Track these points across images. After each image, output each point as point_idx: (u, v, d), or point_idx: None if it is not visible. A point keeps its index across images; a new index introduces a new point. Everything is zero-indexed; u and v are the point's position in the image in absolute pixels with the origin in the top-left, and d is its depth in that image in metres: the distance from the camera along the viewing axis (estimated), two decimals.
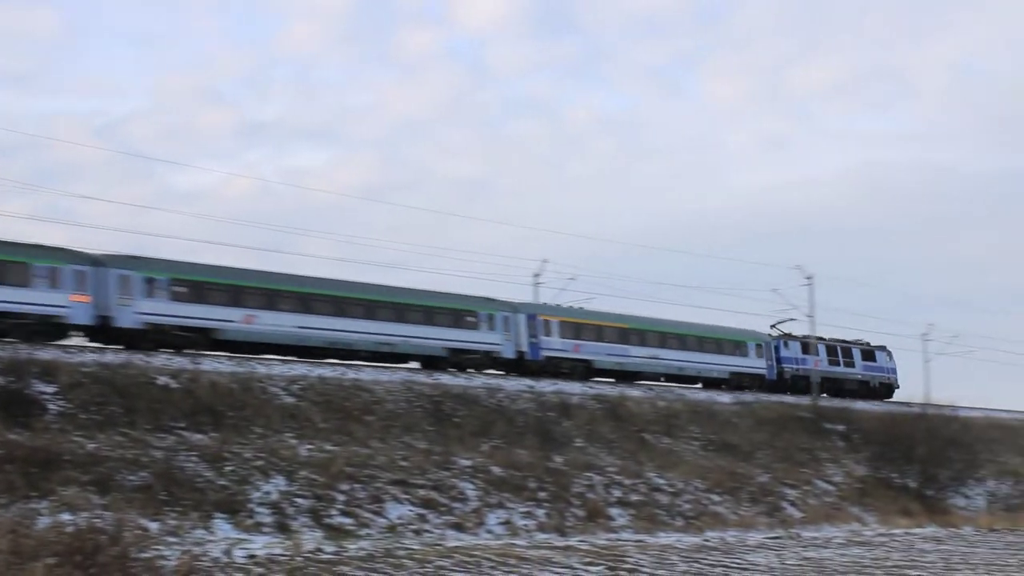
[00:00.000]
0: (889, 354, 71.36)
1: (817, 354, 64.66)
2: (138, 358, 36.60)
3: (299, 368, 40.56)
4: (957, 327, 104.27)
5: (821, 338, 65.70)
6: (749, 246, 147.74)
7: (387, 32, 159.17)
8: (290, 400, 37.14)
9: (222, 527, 27.27)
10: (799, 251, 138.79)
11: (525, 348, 51.07)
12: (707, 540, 33.43)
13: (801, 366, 63.77)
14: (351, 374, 41.27)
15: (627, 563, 25.65)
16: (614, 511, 36.42)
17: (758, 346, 62.90)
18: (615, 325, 56.44)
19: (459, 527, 31.64)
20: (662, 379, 57.60)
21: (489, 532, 31.87)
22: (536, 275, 59.57)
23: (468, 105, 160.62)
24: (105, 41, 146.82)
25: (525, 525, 33.14)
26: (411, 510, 31.73)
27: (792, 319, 63.94)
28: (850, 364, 67.91)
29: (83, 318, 39.16)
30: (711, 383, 59.41)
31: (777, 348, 63.74)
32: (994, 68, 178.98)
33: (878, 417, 54.83)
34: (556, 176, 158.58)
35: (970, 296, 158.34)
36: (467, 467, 35.65)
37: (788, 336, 64.72)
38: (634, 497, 38.01)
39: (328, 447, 34.09)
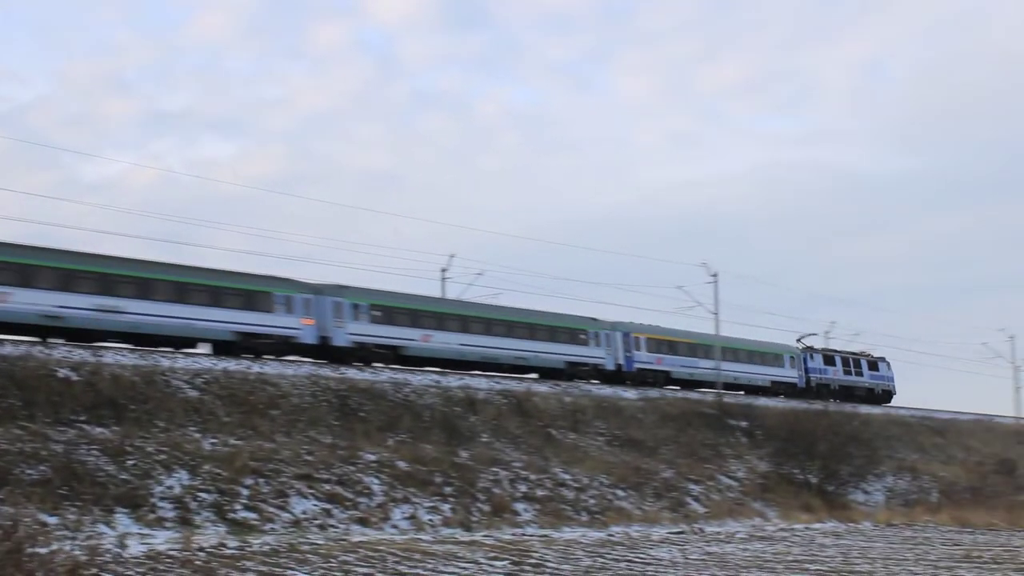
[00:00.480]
0: (888, 364, 79.69)
1: (835, 365, 74.54)
2: (38, 350, 35.97)
3: (203, 361, 40.11)
4: (858, 325, 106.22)
5: (836, 351, 75.93)
6: (656, 243, 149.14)
7: (297, 24, 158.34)
8: (194, 394, 36.70)
9: (123, 522, 26.91)
10: (705, 248, 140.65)
11: (622, 361, 57.78)
12: (612, 535, 33.60)
13: (823, 375, 72.95)
14: (256, 368, 40.89)
15: (532, 558, 25.70)
16: (519, 506, 36.49)
17: (791, 358, 71.79)
18: (687, 341, 64.42)
19: (364, 522, 31.50)
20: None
21: (394, 527, 31.78)
22: (444, 270, 59.65)
23: (378, 98, 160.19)
24: (4, 27, 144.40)
25: (430, 520, 33.09)
26: (316, 505, 31.54)
27: (813, 334, 75.56)
28: (859, 373, 76.48)
29: (310, 338, 46.88)
30: (754, 390, 67.10)
31: (805, 360, 72.34)
32: (896, 71, 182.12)
33: (781, 414, 55.50)
34: (465, 170, 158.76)
35: (871, 295, 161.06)
36: (372, 462, 35.51)
37: (812, 349, 73.62)
38: (540, 492, 38.11)
39: (232, 441, 33.77)
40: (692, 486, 44.38)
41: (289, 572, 21.24)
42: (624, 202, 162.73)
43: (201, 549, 23.76)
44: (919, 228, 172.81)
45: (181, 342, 43.74)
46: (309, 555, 23.97)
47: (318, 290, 47.97)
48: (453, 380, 47.01)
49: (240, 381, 38.82)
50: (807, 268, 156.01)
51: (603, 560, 25.88)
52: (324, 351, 47.17)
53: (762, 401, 61.60)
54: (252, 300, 45.88)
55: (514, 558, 25.46)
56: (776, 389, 68.66)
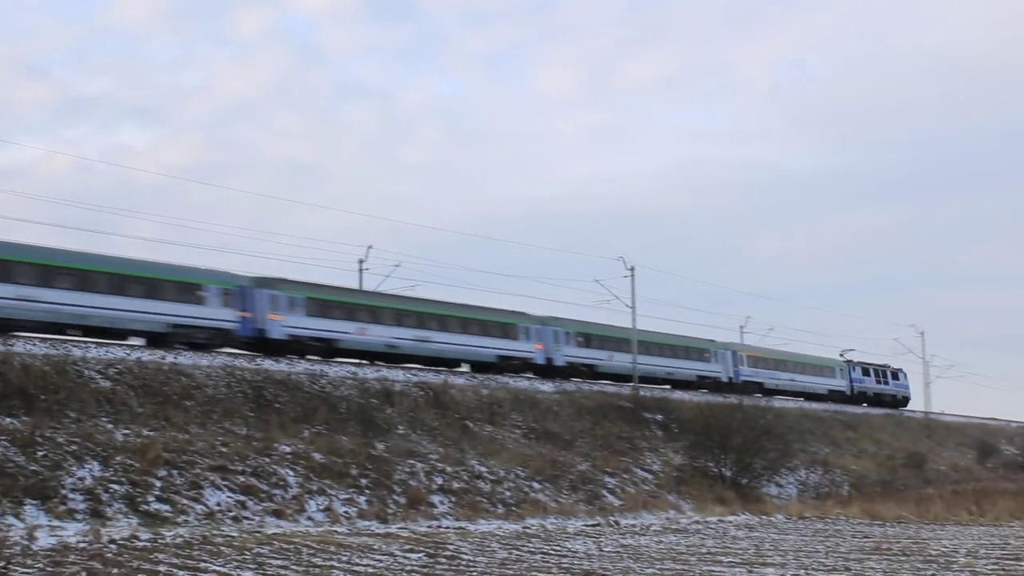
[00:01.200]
0: (905, 375, 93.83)
1: (870, 376, 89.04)
2: None
3: (116, 351, 39.62)
4: (773, 320, 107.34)
5: (870, 364, 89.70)
6: (575, 236, 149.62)
7: (219, 10, 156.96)
8: (106, 384, 36.25)
9: (33, 514, 26.53)
10: (623, 243, 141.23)
11: (732, 375, 63.00)
12: (527, 527, 33.66)
13: (862, 384, 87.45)
14: (170, 358, 40.46)
15: (447, 550, 25.67)
16: (436, 498, 36.45)
17: (841, 370, 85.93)
18: (773, 357, 78.13)
19: (279, 514, 31.30)
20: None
21: (309, 519, 31.61)
22: (361, 261, 59.37)
23: (300, 87, 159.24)
24: None
25: (346, 512, 32.96)
26: (230, 497, 31.28)
27: (852, 348, 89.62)
28: (886, 383, 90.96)
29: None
30: (814, 397, 79.60)
31: (850, 371, 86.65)
32: (817, 69, 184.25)
33: (696, 407, 55.95)
34: (387, 161, 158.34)
35: (788, 290, 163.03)
36: (288, 453, 35.29)
37: (852, 363, 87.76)
38: (456, 484, 38.11)
39: (145, 432, 33.40)
40: (608, 479, 44.60)
41: (202, 564, 21.03)
42: (545, 196, 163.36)
43: (112, 541, 23.48)
44: (836, 224, 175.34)
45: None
46: (223, 547, 23.77)
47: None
48: (370, 372, 46.86)
49: (154, 371, 38.41)
50: (725, 263, 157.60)
51: (518, 552, 25.91)
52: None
53: (677, 395, 62.09)
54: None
55: (429, 550, 25.41)
56: (831, 396, 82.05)
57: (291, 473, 34.07)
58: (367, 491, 35.00)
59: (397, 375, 47.69)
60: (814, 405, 75.22)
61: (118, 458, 30.60)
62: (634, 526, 36.18)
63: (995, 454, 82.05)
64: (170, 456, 31.81)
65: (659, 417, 55.94)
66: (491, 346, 56.68)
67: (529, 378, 55.84)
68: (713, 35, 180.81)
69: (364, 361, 50.14)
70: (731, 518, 41.18)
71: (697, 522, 39.00)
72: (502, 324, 57.81)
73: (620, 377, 62.95)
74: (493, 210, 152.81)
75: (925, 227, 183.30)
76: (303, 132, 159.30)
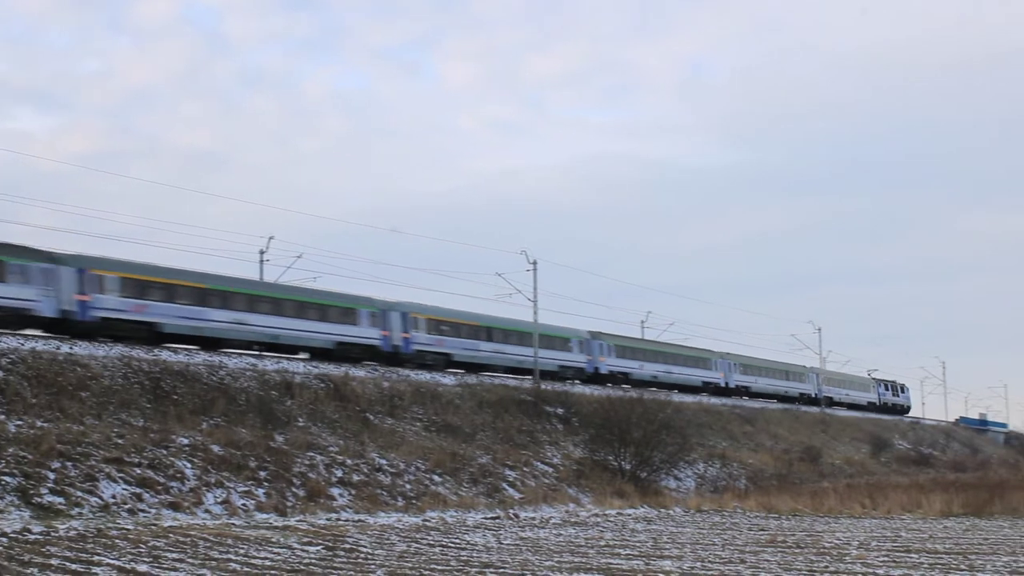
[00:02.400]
0: (907, 388, 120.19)
1: (887, 390, 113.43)
2: None
3: (9, 341, 38.87)
4: (673, 315, 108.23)
5: (887, 380, 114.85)
6: (478, 230, 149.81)
7: None
8: None
9: None
10: (526, 236, 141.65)
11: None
12: (427, 520, 33.65)
13: (884, 396, 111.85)
14: (65, 348, 39.80)
15: (346, 543, 25.59)
16: (335, 491, 36.27)
17: (873, 384, 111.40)
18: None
19: (176, 506, 30.92)
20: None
21: (207, 512, 31.27)
22: (262, 252, 58.82)
23: (203, 76, 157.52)
24: None
25: (244, 504, 32.66)
26: (126, 489, 30.84)
27: (876, 369, 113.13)
28: (896, 395, 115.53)
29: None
30: (855, 407, 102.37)
31: (878, 386, 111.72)
32: (721, 68, 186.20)
33: (596, 401, 56.16)
34: (290, 152, 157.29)
35: (689, 286, 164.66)
36: (185, 445, 34.89)
37: (877, 379, 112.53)
38: (356, 477, 37.95)
39: (39, 423, 32.83)
40: (508, 472, 44.68)
41: (96, 558, 20.74)
42: (448, 189, 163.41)
43: (3, 535, 23.07)
44: (738, 221, 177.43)
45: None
46: (118, 540, 23.47)
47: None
48: (270, 364, 46.50)
49: (48, 362, 37.74)
50: (628, 258, 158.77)
51: (417, 545, 25.90)
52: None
53: (578, 388, 62.37)
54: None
55: (328, 543, 25.32)
56: (868, 408, 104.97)
57: (188, 465, 33.69)
58: (266, 484, 34.72)
59: (297, 367, 47.37)
60: (713, 400, 76.04)
61: (10, 450, 30.02)
62: (534, 519, 36.33)
63: (888, 448, 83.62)
64: (64, 448, 31.29)
65: (560, 411, 56.14)
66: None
67: (431, 371, 55.69)
68: (618, 32, 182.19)
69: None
70: (630, 511, 41.51)
71: (596, 515, 39.25)
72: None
73: (480, 367, 61.98)
74: (396, 202, 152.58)
75: (825, 225, 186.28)
76: (206, 121, 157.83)
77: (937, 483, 51.30)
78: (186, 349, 45.63)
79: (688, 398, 70.86)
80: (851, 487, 50.84)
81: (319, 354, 52.18)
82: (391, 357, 56.29)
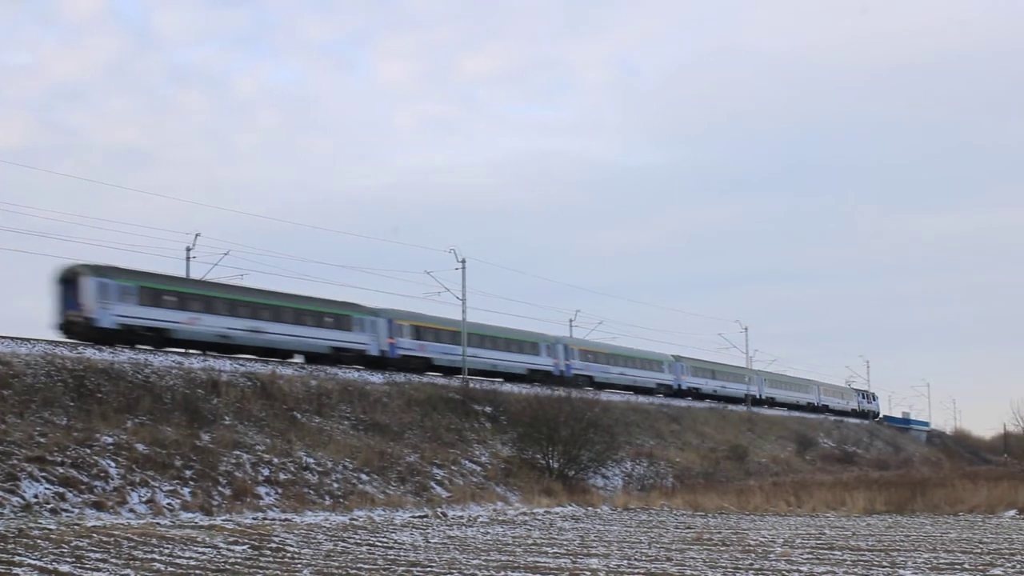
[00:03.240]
0: (877, 397, 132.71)
1: (863, 398, 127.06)
2: None
3: None
4: (602, 313, 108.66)
5: (864, 391, 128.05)
6: (410, 228, 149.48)
7: None
8: None
9: None
10: (457, 234, 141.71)
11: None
12: (355, 519, 33.53)
13: (862, 404, 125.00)
14: None
15: (272, 542, 25.45)
16: (262, 490, 36.05)
17: (855, 394, 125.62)
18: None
19: (99, 506, 30.56)
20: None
21: (131, 511, 30.95)
22: (189, 248, 58.26)
23: (132, 71, 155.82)
24: None
25: (169, 504, 32.37)
26: (48, 488, 30.43)
27: (857, 376, 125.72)
28: (869, 402, 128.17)
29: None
30: (837, 412, 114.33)
31: (859, 395, 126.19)
32: (653, 67, 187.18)
33: (524, 399, 56.21)
34: (221, 148, 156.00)
35: (620, 285, 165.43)
36: (110, 444, 34.51)
37: (857, 389, 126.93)
38: (283, 476, 37.74)
39: None
40: (436, 470, 44.65)
41: (17, 558, 20.44)
42: (380, 185, 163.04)
43: None
44: (669, 220, 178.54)
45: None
46: (40, 540, 23.14)
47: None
48: (196, 362, 46.09)
49: None
50: (559, 257, 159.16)
51: (344, 544, 25.81)
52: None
53: (507, 387, 62.41)
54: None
55: (254, 542, 25.17)
56: (847, 414, 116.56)
57: (113, 464, 33.33)
58: (191, 483, 34.43)
59: (224, 365, 46.98)
60: (640, 399, 76.43)
61: None
62: (462, 517, 36.32)
63: (813, 447, 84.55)
64: None
65: (488, 409, 56.16)
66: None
67: (359, 369, 55.51)
68: (552, 31, 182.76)
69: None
70: (558, 509, 41.62)
71: (524, 513, 39.32)
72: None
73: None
74: (328, 199, 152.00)
75: (753, 225, 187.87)
76: (135, 117, 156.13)
77: (861, 481, 51.91)
78: (112, 348, 45.06)
79: (617, 397, 71.17)
80: (777, 485, 51.30)
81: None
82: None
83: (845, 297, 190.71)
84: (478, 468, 47.34)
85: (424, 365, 62.02)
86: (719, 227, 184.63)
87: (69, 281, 47.14)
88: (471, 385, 59.36)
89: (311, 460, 40.07)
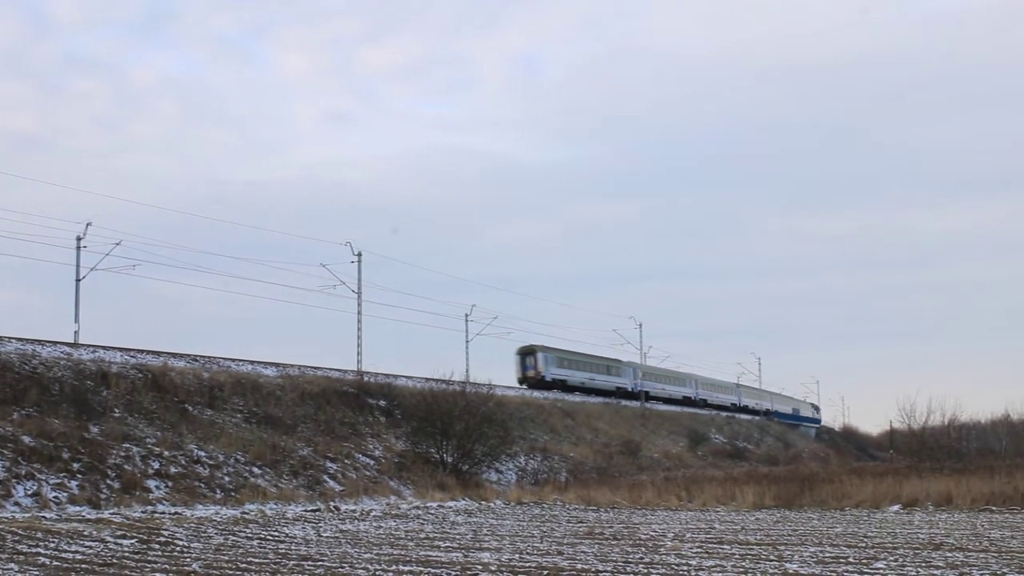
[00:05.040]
0: (819, 409, 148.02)
1: (815, 411, 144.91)
2: None
3: None
4: (497, 309, 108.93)
5: (815, 405, 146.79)
6: (307, 221, 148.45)
7: None
8: None
9: None
10: (356, 228, 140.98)
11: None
12: (246, 513, 33.30)
13: (816, 415, 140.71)
14: None
15: (162, 536, 25.17)
16: (151, 483, 35.60)
17: (810, 408, 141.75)
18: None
19: None
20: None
21: (16, 504, 30.40)
22: (79, 238, 57.23)
23: (27, 57, 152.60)
24: None
25: (56, 497, 31.83)
26: None
27: (811, 393, 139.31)
28: (817, 411, 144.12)
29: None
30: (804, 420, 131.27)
31: (814, 407, 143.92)
32: (553, 64, 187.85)
33: (419, 394, 56.11)
34: (117, 137, 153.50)
35: (517, 280, 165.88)
36: None
37: (812, 404, 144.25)
38: (173, 469, 37.30)
39: None
40: (329, 464, 44.43)
41: None
42: (279, 178, 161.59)
43: None
44: (567, 217, 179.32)
45: None
46: None
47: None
48: (85, 353, 45.35)
49: None
50: (456, 251, 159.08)
51: (235, 538, 25.61)
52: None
53: (401, 381, 62.23)
54: None
55: (143, 536, 24.88)
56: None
57: None
58: (79, 476, 33.90)
59: (114, 356, 46.28)
60: (535, 394, 76.68)
61: None
62: (354, 511, 36.23)
63: (705, 442, 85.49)
64: None
65: (382, 403, 56.00)
66: None
67: (252, 361, 54.96)
68: (453, 27, 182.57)
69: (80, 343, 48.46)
70: (451, 503, 41.67)
71: (417, 507, 39.31)
72: None
73: None
74: (224, 191, 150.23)
75: (649, 222, 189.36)
76: (29, 103, 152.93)
77: (751, 476, 52.62)
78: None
79: (511, 392, 71.37)
80: (668, 480, 51.82)
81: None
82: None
83: (739, 295, 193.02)
84: (372, 462, 47.19)
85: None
86: (615, 224, 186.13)
87: (528, 354, 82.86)
88: (365, 379, 59.11)
89: (202, 453, 39.65)
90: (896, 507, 38.46)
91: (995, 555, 21.33)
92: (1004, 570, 18.63)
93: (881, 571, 18.81)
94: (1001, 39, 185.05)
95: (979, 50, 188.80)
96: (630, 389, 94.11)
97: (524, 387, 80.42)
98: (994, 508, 36.59)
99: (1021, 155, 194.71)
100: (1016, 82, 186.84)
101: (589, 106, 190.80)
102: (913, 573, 18.43)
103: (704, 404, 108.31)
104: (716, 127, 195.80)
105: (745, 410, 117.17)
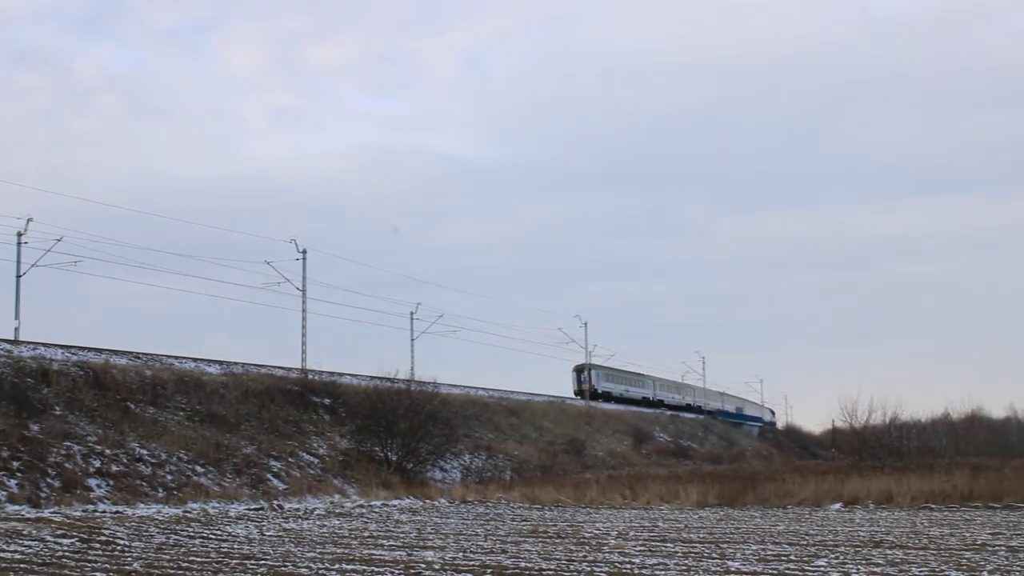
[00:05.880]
0: (774, 412, 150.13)
1: (772, 414, 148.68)
2: None
3: None
4: (442, 307, 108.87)
5: (772, 411, 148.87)
6: (252, 217, 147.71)
7: None
8: None
9: None
10: (302, 226, 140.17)
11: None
12: (188, 511, 33.07)
13: (774, 420, 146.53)
14: None
15: (103, 535, 24.95)
16: (93, 482, 35.30)
17: (768, 412, 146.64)
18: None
19: None
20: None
21: None
22: (20, 234, 56.61)
23: None
24: None
25: None
26: None
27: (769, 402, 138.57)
28: (773, 415, 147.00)
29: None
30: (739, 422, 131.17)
31: (771, 412, 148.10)
32: (496, 63, 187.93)
33: (364, 391, 55.96)
34: (59, 132, 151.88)
35: (462, 278, 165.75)
36: None
37: (771, 410, 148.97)
38: (115, 468, 37.00)
39: None
40: (273, 462, 44.24)
41: None
42: (225, 175, 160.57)
43: None
44: (513, 215, 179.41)
45: None
46: None
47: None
48: (25, 350, 44.86)
49: None
50: (402, 249, 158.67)
51: (177, 537, 25.44)
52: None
53: (346, 379, 62.00)
54: None
55: (83, 535, 24.64)
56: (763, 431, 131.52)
57: None
58: (19, 474, 33.55)
59: (55, 354, 45.80)
60: (480, 392, 76.68)
61: None
62: (298, 510, 36.09)
63: (649, 440, 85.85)
64: None
65: (327, 401, 55.80)
66: None
67: (196, 359, 54.59)
68: (400, 24, 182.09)
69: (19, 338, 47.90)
70: (395, 502, 41.61)
71: (361, 506, 39.22)
72: None
73: None
74: (169, 187, 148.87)
75: (596, 222, 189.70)
76: None
77: (694, 475, 52.86)
78: None
79: (456, 390, 71.28)
80: (613, 478, 51.97)
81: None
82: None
83: (683, 294, 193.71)
84: (316, 460, 47.03)
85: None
86: (562, 222, 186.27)
87: (582, 370, 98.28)
88: (309, 377, 58.86)
89: (144, 452, 39.36)
90: (837, 505, 38.79)
91: (934, 552, 21.59)
92: (943, 567, 18.85)
93: (822, 569, 18.96)
94: (943, 44, 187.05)
95: (921, 54, 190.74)
96: (651, 398, 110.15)
97: (579, 398, 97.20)
98: (933, 506, 37.03)
99: (960, 157, 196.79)
100: (954, 86, 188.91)
101: (536, 105, 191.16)
102: (853, 570, 18.61)
103: (700, 411, 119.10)
104: (662, 126, 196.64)
105: (699, 411, 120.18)
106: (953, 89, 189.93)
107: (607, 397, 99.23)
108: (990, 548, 22.36)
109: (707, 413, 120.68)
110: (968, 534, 26.06)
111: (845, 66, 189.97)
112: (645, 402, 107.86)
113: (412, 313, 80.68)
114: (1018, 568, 18.66)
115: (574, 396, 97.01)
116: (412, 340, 79.43)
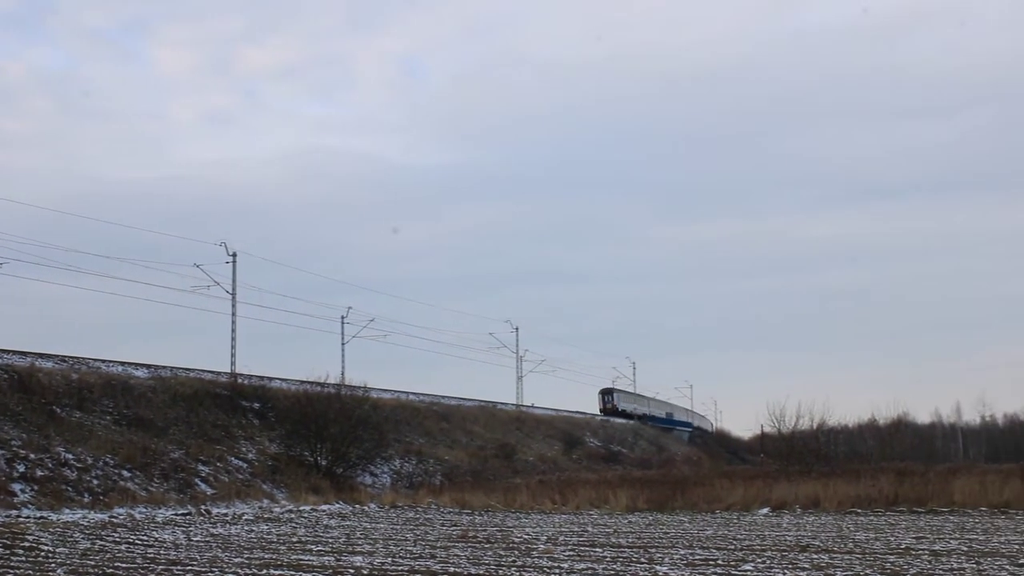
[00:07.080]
0: (711, 422, 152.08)
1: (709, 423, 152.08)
2: None
3: None
4: (374, 312, 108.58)
5: (704, 417, 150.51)
6: (183, 220, 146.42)
7: None
8: None
9: None
10: (233, 229, 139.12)
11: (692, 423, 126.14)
12: (114, 517, 32.75)
13: (703, 422, 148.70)
14: None
15: (26, 541, 24.63)
16: (16, 487, 34.81)
17: (702, 418, 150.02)
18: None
19: None
20: None
21: None
22: None
23: None
24: None
25: None
26: None
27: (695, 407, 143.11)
28: (706, 421, 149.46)
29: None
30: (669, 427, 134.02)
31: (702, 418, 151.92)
32: (432, 68, 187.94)
33: (294, 396, 55.65)
34: None
35: (393, 283, 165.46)
36: None
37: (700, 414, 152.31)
38: (39, 472, 36.52)
39: None
40: (201, 467, 43.87)
41: None
42: (156, 177, 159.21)
43: None
44: (445, 220, 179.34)
45: None
46: None
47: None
48: None
49: None
50: (334, 253, 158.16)
51: (102, 542, 25.17)
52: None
53: (276, 383, 61.61)
54: None
55: (6, 541, 24.31)
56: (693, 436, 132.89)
57: None
58: None
59: None
60: (410, 396, 76.48)
61: None
62: (226, 515, 35.85)
63: (580, 446, 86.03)
64: None
65: (256, 405, 55.42)
66: None
67: (123, 363, 53.99)
68: (334, 28, 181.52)
69: None
70: (325, 507, 41.45)
71: (291, 511, 39.03)
72: None
73: None
74: (97, 189, 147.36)
75: (527, 227, 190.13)
76: None
77: (624, 480, 53.07)
78: None
79: (387, 395, 71.10)
80: (543, 483, 52.05)
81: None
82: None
83: (614, 299, 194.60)
84: (245, 465, 46.70)
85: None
86: (494, 228, 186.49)
87: (607, 392, 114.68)
88: (239, 381, 58.39)
89: (70, 456, 38.88)
90: (765, 510, 39.14)
91: (859, 556, 21.82)
92: (867, 571, 19.05)
93: (749, 573, 19.11)
94: (875, 56, 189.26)
95: (854, 64, 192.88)
96: (662, 416, 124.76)
97: (604, 416, 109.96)
98: (859, 510, 37.45)
99: (891, 166, 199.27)
100: (887, 96, 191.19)
101: (470, 110, 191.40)
102: (780, 575, 18.76)
103: (689, 426, 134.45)
104: (596, 133, 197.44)
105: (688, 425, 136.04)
106: (886, 99, 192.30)
107: (624, 415, 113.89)
108: (914, 552, 22.65)
109: (695, 428, 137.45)
110: (892, 538, 26.40)
111: (779, 75, 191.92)
112: (647, 418, 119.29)
113: (343, 317, 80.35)
114: (941, 572, 18.91)
115: (600, 414, 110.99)
116: (343, 345, 79.05)
